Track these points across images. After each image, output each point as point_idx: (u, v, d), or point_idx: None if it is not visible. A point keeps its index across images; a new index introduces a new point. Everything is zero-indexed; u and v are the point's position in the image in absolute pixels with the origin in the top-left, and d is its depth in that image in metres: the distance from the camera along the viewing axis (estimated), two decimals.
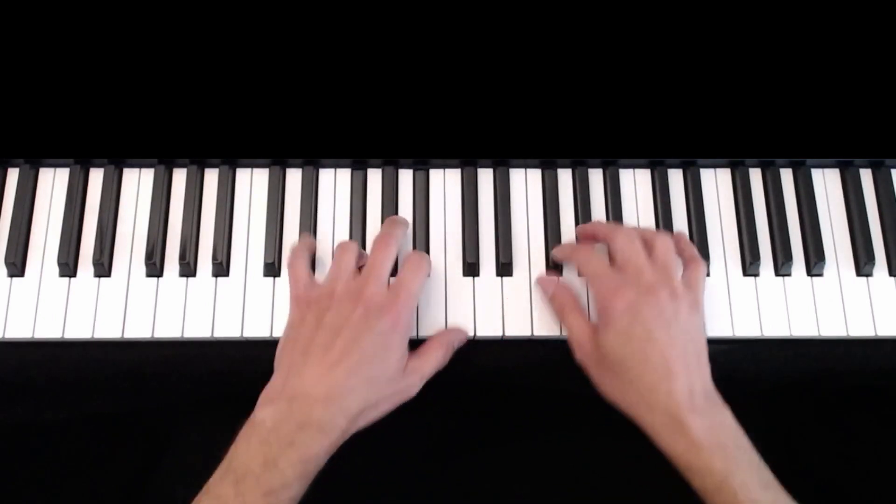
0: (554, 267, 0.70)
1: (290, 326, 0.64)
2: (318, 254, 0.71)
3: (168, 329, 0.69)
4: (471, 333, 0.69)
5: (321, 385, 0.59)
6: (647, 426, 0.61)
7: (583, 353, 0.65)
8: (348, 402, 0.59)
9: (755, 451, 0.60)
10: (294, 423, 0.58)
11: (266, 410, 0.59)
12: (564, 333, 0.68)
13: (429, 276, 0.68)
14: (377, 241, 0.66)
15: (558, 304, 0.68)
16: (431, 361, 0.64)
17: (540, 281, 0.69)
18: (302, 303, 0.64)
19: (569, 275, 0.71)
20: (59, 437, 0.67)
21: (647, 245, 0.66)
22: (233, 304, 0.69)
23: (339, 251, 0.66)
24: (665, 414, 0.60)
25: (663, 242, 0.66)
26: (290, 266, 0.67)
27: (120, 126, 0.73)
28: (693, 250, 0.69)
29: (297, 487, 0.57)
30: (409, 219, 0.72)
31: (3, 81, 0.73)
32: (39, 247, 0.71)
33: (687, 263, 0.68)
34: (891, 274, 0.71)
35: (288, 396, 0.59)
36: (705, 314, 0.66)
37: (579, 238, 0.71)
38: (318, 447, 0.58)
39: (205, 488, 0.57)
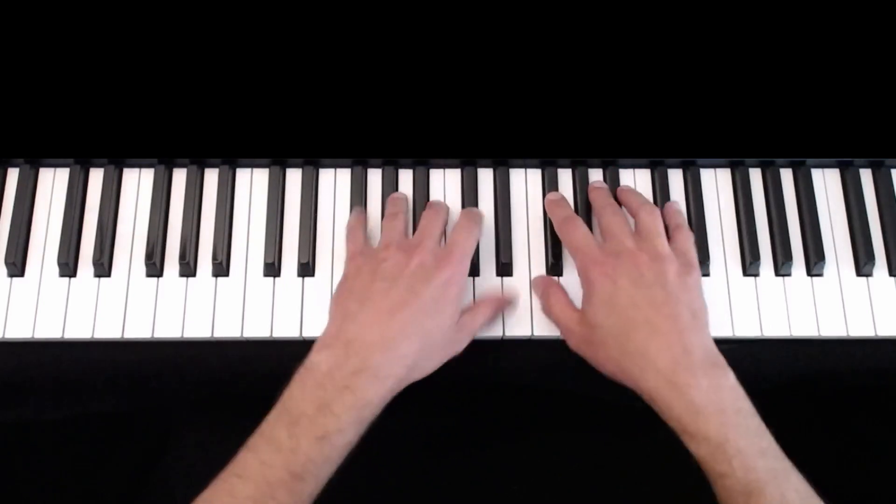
0: (553, 269, 0.70)
1: (346, 278, 0.64)
2: (319, 254, 0.71)
3: (168, 329, 0.69)
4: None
5: (377, 331, 0.59)
6: (644, 393, 0.60)
7: (574, 338, 0.65)
8: (404, 349, 0.59)
9: (756, 417, 0.58)
10: (349, 368, 0.58)
11: (321, 354, 0.59)
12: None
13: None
14: (427, 211, 0.68)
15: (542, 294, 0.68)
16: (480, 318, 0.65)
17: (534, 283, 0.70)
18: (357, 257, 0.65)
19: (568, 276, 0.71)
20: (59, 437, 0.67)
21: (633, 213, 0.67)
22: (233, 304, 0.69)
23: (387, 218, 0.67)
24: (658, 377, 0.59)
25: (647, 213, 0.66)
26: (349, 229, 0.68)
27: (120, 126, 0.73)
28: (679, 218, 0.68)
29: (352, 433, 0.57)
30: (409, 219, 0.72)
31: (4, 81, 0.73)
32: (39, 247, 0.71)
33: (673, 232, 0.67)
34: (891, 274, 0.71)
35: (344, 341, 0.59)
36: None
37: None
38: (372, 393, 0.58)
39: (258, 430, 0.57)
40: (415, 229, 0.69)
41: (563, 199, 0.71)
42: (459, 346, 0.64)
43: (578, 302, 0.69)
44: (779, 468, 0.56)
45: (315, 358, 0.59)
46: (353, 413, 0.57)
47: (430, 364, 0.62)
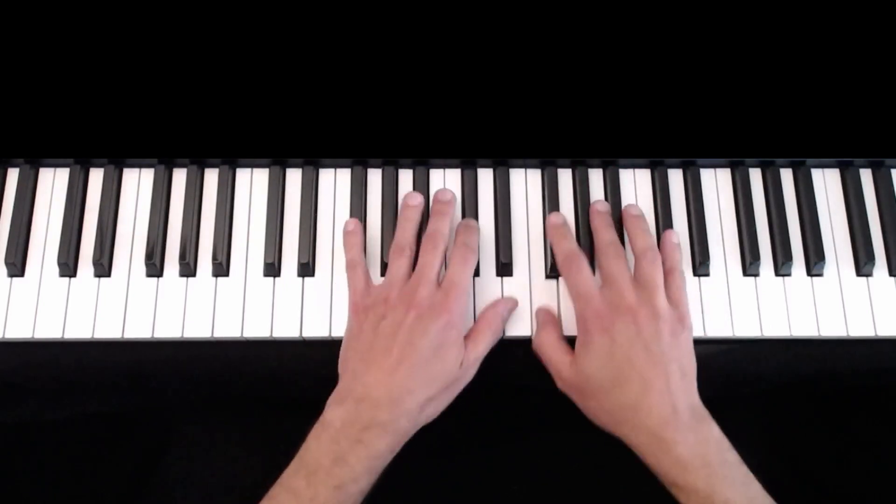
0: (553, 269, 0.70)
1: (350, 335, 0.66)
2: (319, 254, 0.71)
3: (168, 329, 0.69)
4: None
5: (382, 388, 0.62)
6: (633, 446, 0.62)
7: (564, 383, 0.66)
8: (408, 404, 0.62)
9: (743, 466, 0.60)
10: (361, 424, 0.61)
11: (336, 411, 0.62)
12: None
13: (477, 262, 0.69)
14: (425, 241, 0.68)
15: (536, 335, 0.68)
16: (482, 345, 0.66)
17: (537, 313, 0.69)
18: (360, 311, 0.66)
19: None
20: (59, 437, 0.67)
21: (635, 258, 0.67)
22: (233, 304, 0.69)
23: (393, 255, 0.68)
24: (648, 433, 0.61)
25: (649, 262, 0.66)
26: (348, 273, 0.69)
27: (120, 126, 0.72)
28: (673, 259, 0.68)
29: (365, 482, 0.61)
30: (417, 219, 0.71)
31: (4, 81, 0.73)
32: (39, 247, 0.71)
33: (666, 276, 0.67)
34: (891, 274, 0.71)
35: (354, 399, 0.62)
36: (704, 315, 0.65)
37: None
38: (383, 445, 0.61)
39: (279, 481, 0.61)
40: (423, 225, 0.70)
41: (566, 225, 0.71)
42: (466, 378, 0.66)
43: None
44: None
45: (329, 415, 0.62)
46: (365, 463, 0.61)
47: (437, 405, 0.64)
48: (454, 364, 0.64)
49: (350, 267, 0.69)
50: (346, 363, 0.65)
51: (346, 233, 0.70)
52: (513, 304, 0.69)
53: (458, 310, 0.65)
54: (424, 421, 0.64)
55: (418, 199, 0.71)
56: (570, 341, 0.67)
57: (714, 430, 0.61)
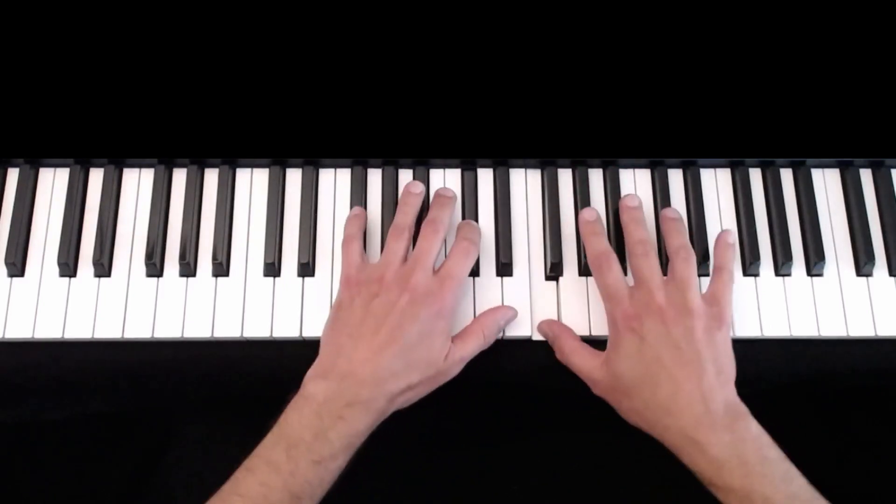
0: (553, 269, 0.70)
1: (340, 308, 0.66)
2: (319, 254, 0.71)
3: (168, 329, 0.69)
4: None
5: (369, 367, 0.62)
6: (668, 445, 0.62)
7: (599, 387, 0.66)
8: (391, 386, 0.62)
9: (785, 462, 0.59)
10: (344, 401, 0.61)
11: (318, 385, 0.62)
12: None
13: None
14: (424, 229, 0.68)
15: (558, 349, 0.68)
16: (471, 345, 0.66)
17: (540, 328, 0.69)
18: (352, 285, 0.66)
19: (569, 276, 0.70)
20: (59, 437, 0.67)
21: (669, 257, 0.67)
22: (233, 304, 0.69)
23: (391, 238, 0.67)
24: (681, 433, 0.61)
25: (682, 260, 0.66)
26: (344, 247, 0.69)
27: (120, 126, 0.72)
28: (724, 258, 0.68)
29: (343, 459, 0.61)
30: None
31: (4, 81, 0.73)
32: (39, 247, 0.71)
33: (713, 273, 0.67)
34: (891, 274, 0.71)
35: (338, 375, 0.62)
36: None
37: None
38: (362, 424, 0.61)
39: (256, 452, 0.60)
40: (420, 219, 0.70)
41: (599, 222, 0.70)
42: (451, 373, 0.66)
43: (581, 304, 0.69)
44: None
45: (312, 388, 0.62)
46: (345, 440, 0.61)
47: (415, 394, 0.64)
48: (439, 355, 0.64)
49: (346, 241, 0.69)
50: (332, 337, 0.65)
51: (349, 216, 0.70)
52: (512, 315, 0.69)
53: (450, 301, 0.65)
54: (398, 406, 0.64)
55: (420, 187, 0.71)
56: (591, 342, 0.67)
57: (752, 428, 0.60)
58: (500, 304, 0.69)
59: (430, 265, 0.66)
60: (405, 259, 0.66)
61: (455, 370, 0.66)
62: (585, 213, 0.70)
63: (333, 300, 0.69)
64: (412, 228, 0.68)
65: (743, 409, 0.61)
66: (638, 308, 0.64)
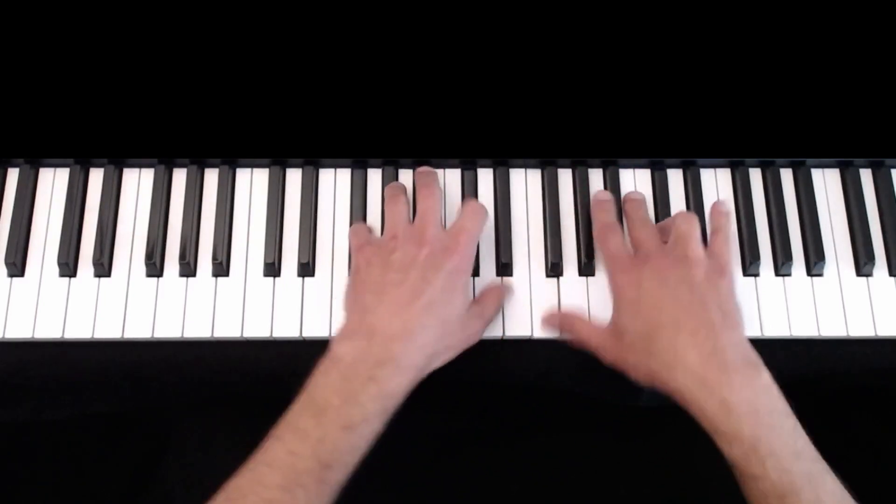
0: (553, 269, 0.70)
1: (358, 270, 0.65)
2: (319, 254, 0.71)
3: (168, 329, 0.69)
4: None
5: (397, 322, 0.60)
6: (675, 393, 0.59)
7: (608, 353, 0.65)
8: (423, 338, 0.60)
9: (792, 417, 0.57)
10: (373, 359, 0.58)
11: (345, 346, 0.60)
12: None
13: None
14: (420, 191, 0.67)
15: (567, 326, 0.67)
16: (491, 306, 0.66)
17: (545, 321, 0.69)
18: (365, 248, 0.65)
19: (569, 275, 0.71)
20: (59, 437, 0.67)
21: (672, 221, 0.67)
22: (233, 304, 0.69)
23: (389, 202, 0.67)
24: (687, 372, 0.58)
25: (683, 219, 0.66)
26: (353, 228, 0.69)
27: (120, 126, 0.72)
28: (720, 221, 0.68)
29: (377, 423, 0.58)
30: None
31: (4, 81, 0.73)
32: (39, 247, 0.71)
33: (711, 235, 0.68)
34: (891, 274, 0.71)
35: (366, 333, 0.60)
36: None
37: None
38: (395, 383, 0.59)
39: (284, 419, 0.58)
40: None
41: (611, 201, 0.71)
42: (475, 334, 0.65)
43: (581, 304, 0.69)
44: (814, 470, 0.56)
45: (339, 349, 0.60)
46: (378, 403, 0.58)
47: (448, 353, 0.63)
48: (463, 310, 0.63)
49: (353, 228, 0.69)
50: (355, 297, 0.63)
51: (353, 227, 0.71)
52: (510, 292, 0.69)
53: (468, 255, 0.64)
54: (435, 365, 0.62)
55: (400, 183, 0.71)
56: None
57: (764, 376, 0.58)
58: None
59: (439, 221, 0.65)
60: (410, 220, 0.66)
61: (479, 331, 0.65)
62: (600, 194, 0.71)
63: (334, 300, 0.69)
64: (406, 193, 0.68)
65: (755, 357, 0.59)
66: (636, 263, 0.64)
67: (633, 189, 0.73)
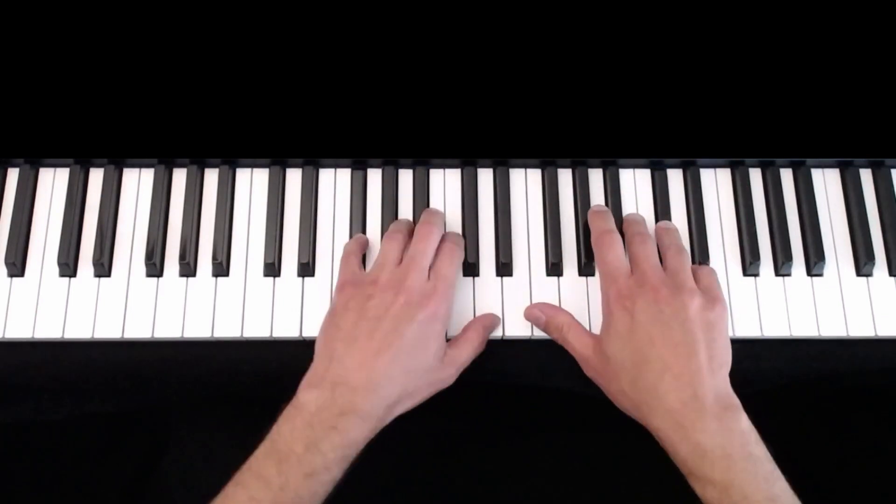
0: (553, 269, 0.70)
1: (335, 312, 0.65)
2: (319, 254, 0.71)
3: (168, 329, 0.69)
4: None
5: (362, 373, 0.60)
6: (652, 431, 0.61)
7: (589, 367, 0.65)
8: (387, 391, 0.61)
9: (770, 462, 0.58)
10: (336, 409, 0.59)
11: (310, 394, 0.61)
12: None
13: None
14: (419, 230, 0.68)
15: (554, 327, 0.68)
16: (467, 351, 0.66)
17: (527, 314, 0.69)
18: (348, 288, 0.65)
19: (569, 276, 0.70)
20: (59, 437, 0.67)
21: (661, 252, 0.67)
22: (233, 304, 0.69)
23: (385, 240, 0.68)
24: (667, 417, 0.59)
25: (674, 253, 0.67)
26: (344, 257, 0.69)
27: (120, 126, 0.73)
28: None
29: (337, 471, 0.59)
30: (409, 218, 0.72)
31: (4, 81, 0.73)
32: (39, 247, 0.71)
33: (695, 271, 0.67)
34: (891, 274, 0.71)
35: (331, 382, 0.60)
36: None
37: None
38: (357, 433, 0.60)
39: (247, 464, 0.59)
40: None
41: (608, 212, 0.71)
42: (447, 380, 0.65)
43: (581, 304, 0.69)
44: None
45: (304, 397, 0.61)
46: (339, 451, 0.59)
47: (412, 401, 0.63)
48: (435, 359, 0.63)
49: (345, 256, 0.69)
50: (326, 342, 0.64)
51: (352, 239, 0.71)
52: (496, 321, 0.69)
53: (445, 303, 0.65)
54: (398, 413, 0.63)
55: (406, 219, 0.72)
56: None
57: (742, 421, 0.59)
58: (499, 303, 0.70)
59: (426, 267, 0.65)
60: (399, 262, 0.66)
61: (452, 376, 0.65)
62: (596, 207, 0.72)
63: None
64: (406, 234, 0.68)
65: (734, 401, 0.60)
66: (632, 287, 0.64)
67: (632, 188, 0.73)
